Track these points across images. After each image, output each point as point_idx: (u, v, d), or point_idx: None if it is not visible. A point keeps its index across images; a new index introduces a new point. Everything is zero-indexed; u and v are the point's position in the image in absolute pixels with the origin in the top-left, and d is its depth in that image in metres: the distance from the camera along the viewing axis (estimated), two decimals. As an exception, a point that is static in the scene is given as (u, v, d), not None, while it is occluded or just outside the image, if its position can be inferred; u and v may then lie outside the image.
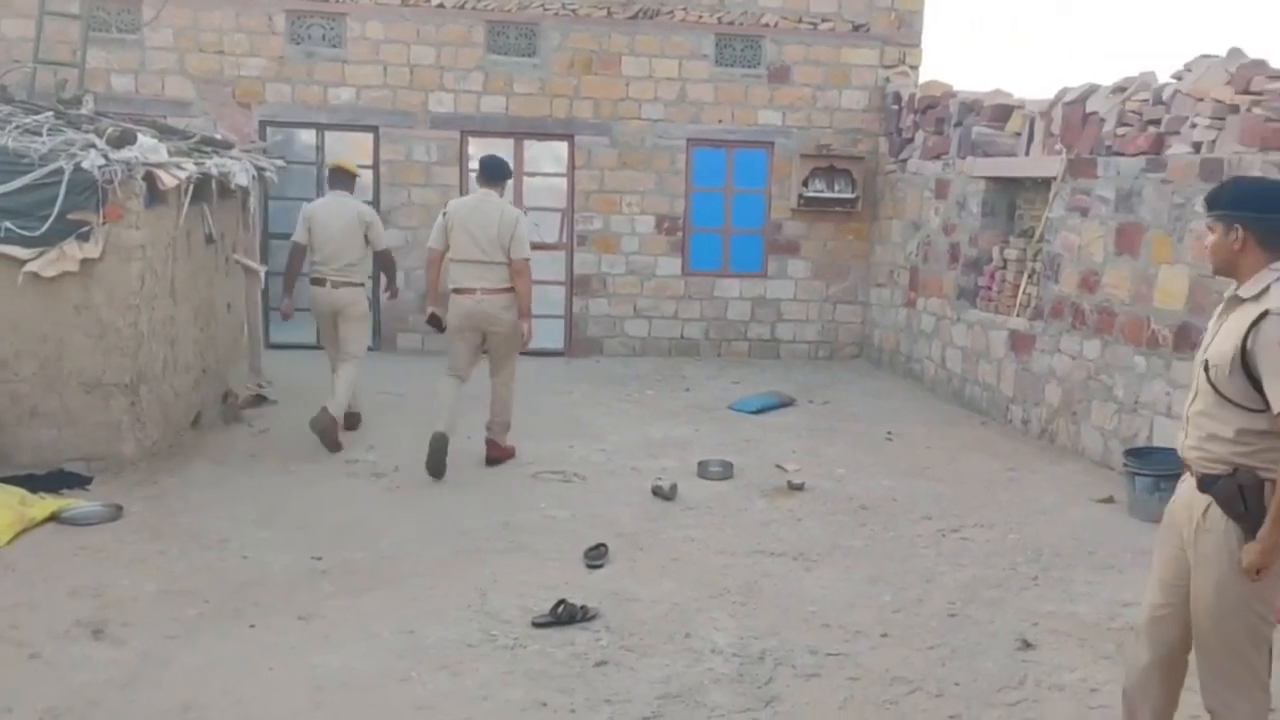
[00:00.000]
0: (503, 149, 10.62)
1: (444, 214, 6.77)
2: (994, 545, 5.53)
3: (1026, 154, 8.41)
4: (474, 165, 9.89)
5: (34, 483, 5.61)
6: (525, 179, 10.80)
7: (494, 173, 6.84)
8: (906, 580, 4.99)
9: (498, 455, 6.88)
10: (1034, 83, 17.61)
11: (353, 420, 7.62)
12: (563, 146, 10.85)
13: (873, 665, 4.09)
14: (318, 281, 7.30)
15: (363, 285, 7.47)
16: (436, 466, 6.44)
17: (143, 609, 4.34)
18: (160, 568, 4.80)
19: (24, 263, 5.77)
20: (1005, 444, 7.79)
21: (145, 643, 4.05)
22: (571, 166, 10.85)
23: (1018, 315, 8.37)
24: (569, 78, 10.67)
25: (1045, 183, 8.10)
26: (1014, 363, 8.29)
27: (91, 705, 3.55)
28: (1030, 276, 8.31)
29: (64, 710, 3.51)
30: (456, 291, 6.66)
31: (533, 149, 10.82)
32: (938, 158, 9.77)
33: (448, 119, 10.57)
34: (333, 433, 6.97)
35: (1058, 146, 7.86)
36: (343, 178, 7.58)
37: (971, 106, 9.25)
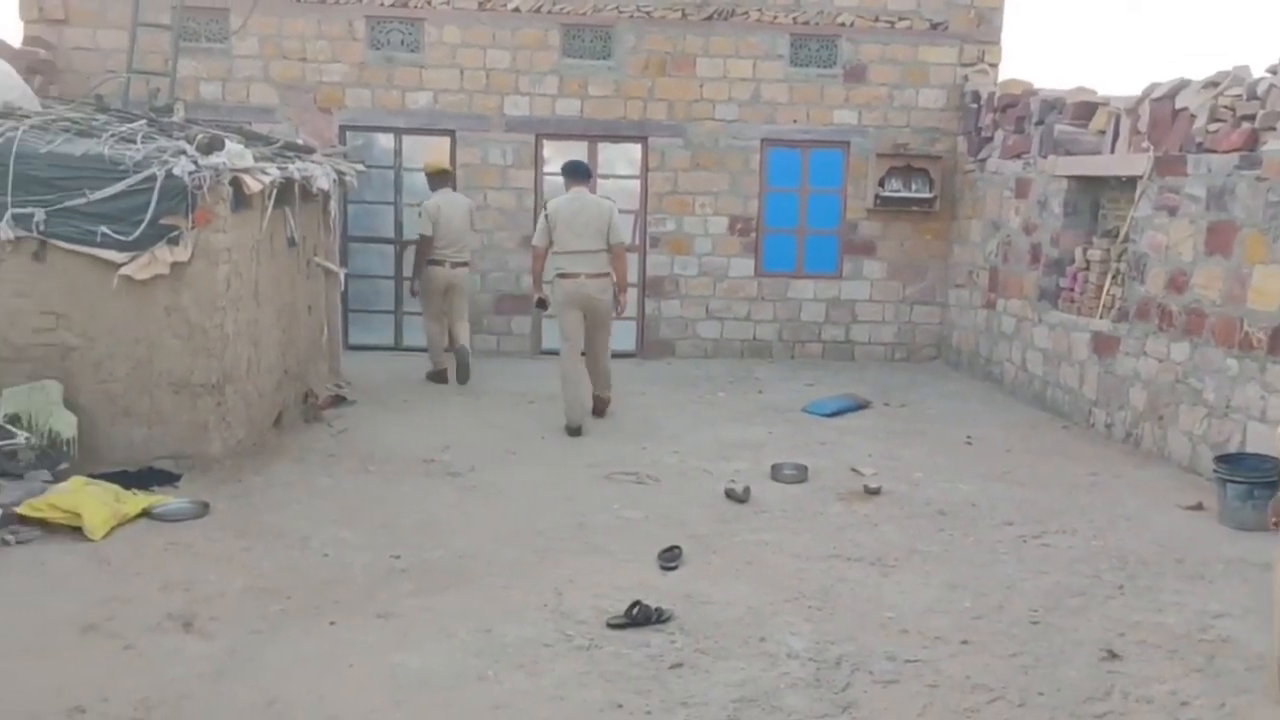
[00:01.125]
0: (577, 151, 10.74)
1: (546, 215, 7.79)
2: (1077, 552, 5.40)
3: (1111, 152, 8.21)
4: (551, 168, 10.22)
5: (126, 479, 5.79)
6: (599, 181, 10.83)
7: (581, 173, 8.04)
8: (987, 587, 4.90)
9: (602, 408, 8.15)
10: (1113, 80, 17.18)
11: (439, 376, 9.20)
12: (636, 148, 10.88)
13: (952, 672, 4.02)
14: (437, 263, 9.07)
15: (469, 264, 9.44)
16: (576, 428, 7.68)
17: (229, 604, 4.45)
18: (245, 564, 4.91)
19: (119, 266, 5.97)
20: (1088, 448, 7.61)
21: (232, 637, 4.15)
22: (645, 168, 10.87)
23: (1101, 317, 8.17)
24: (643, 79, 10.69)
25: (1131, 181, 7.90)
26: (1097, 365, 8.10)
27: (182, 697, 3.66)
28: (1114, 277, 8.11)
29: (157, 701, 3.62)
30: (562, 277, 7.72)
31: (606, 151, 10.87)
32: (1018, 156, 9.58)
33: (523, 122, 10.66)
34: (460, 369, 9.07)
35: (1144, 144, 7.65)
36: (446, 177, 9.41)
37: (1053, 104, 9.05)
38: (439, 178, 9.33)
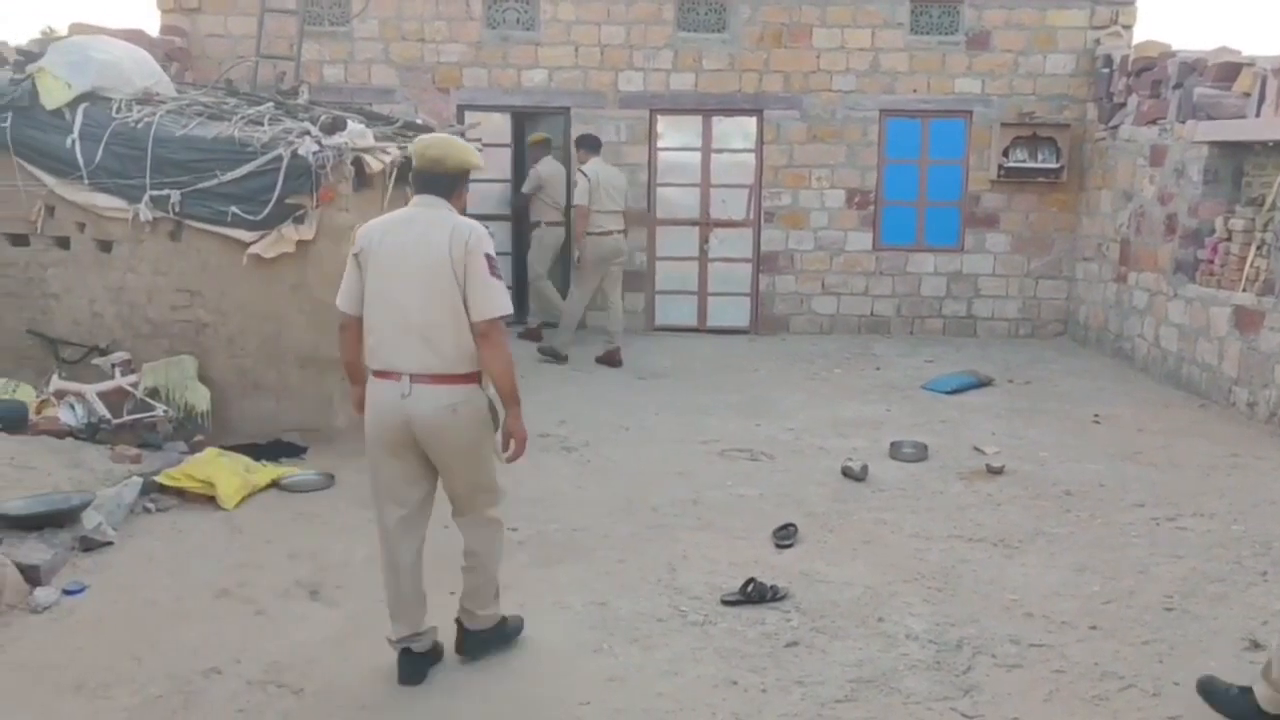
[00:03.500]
0: (691, 126, 10.70)
1: (587, 180, 8.92)
2: (1215, 536, 5.15)
3: (1257, 115, 7.75)
4: (664, 144, 10.19)
5: (257, 451, 6.01)
6: (713, 155, 10.76)
7: (599, 145, 9.35)
8: (1117, 570, 4.71)
9: (617, 359, 9.18)
10: (1258, 40, 16.19)
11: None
12: (751, 122, 10.73)
13: (1080, 658, 3.88)
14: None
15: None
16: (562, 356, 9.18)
17: (354, 573, 4.59)
18: (369, 535, 4.98)
19: (248, 245, 6.18)
20: (1227, 428, 7.25)
21: (356, 605, 4.27)
22: (760, 142, 10.73)
23: (1244, 290, 7.75)
24: (759, 52, 10.55)
25: (1278, 146, 7.45)
26: (1239, 341, 7.69)
27: (309, 661, 3.78)
28: (1259, 248, 7.67)
29: (286, 665, 3.75)
30: (601, 234, 8.96)
31: (721, 125, 10.76)
32: (1153, 123, 9.14)
33: (637, 98, 10.62)
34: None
35: (1293, 106, 7.21)
36: (547, 146, 10.06)
37: (1193, 66, 8.59)
38: (540, 147, 10.01)
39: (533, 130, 10.54)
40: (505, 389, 3.57)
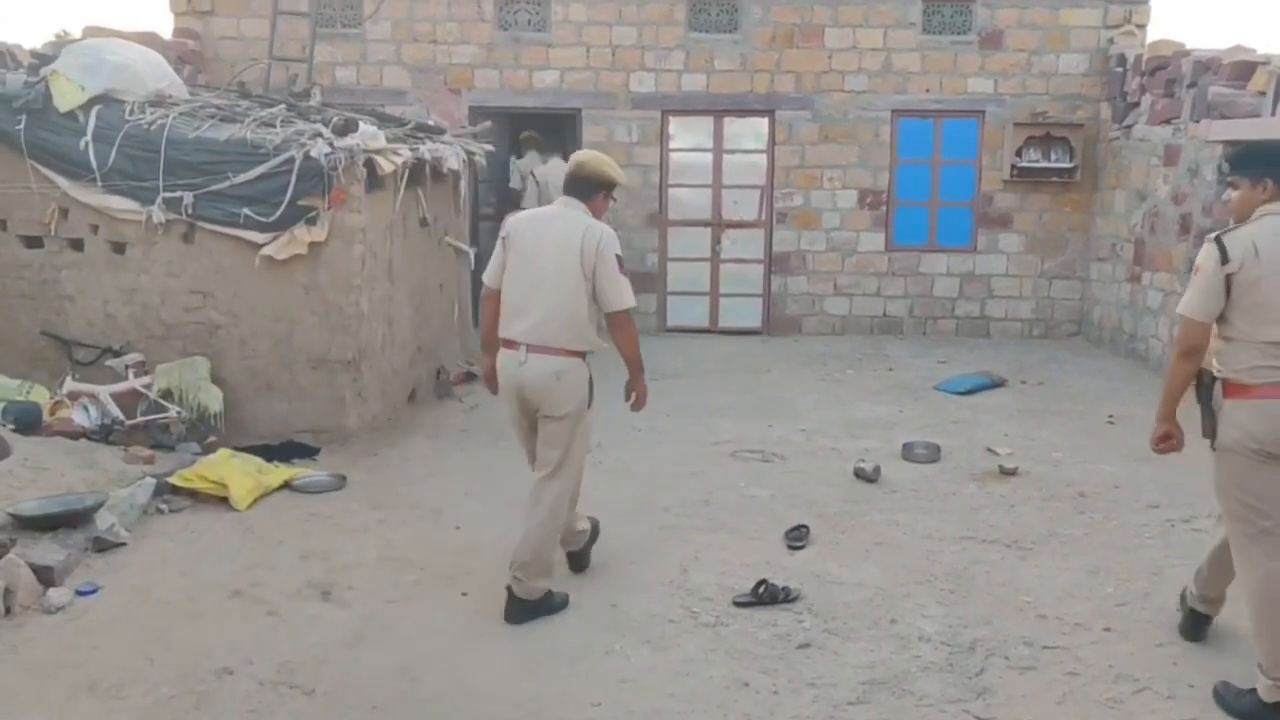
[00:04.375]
0: (703, 127, 10.69)
1: (537, 185, 9.44)
2: (1231, 539, 5.10)
3: (1273, 114, 7.70)
4: (676, 145, 10.07)
5: (269, 453, 6.02)
6: (725, 156, 10.75)
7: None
8: (1131, 572, 4.69)
9: None
10: (1273, 39, 16.07)
11: None
12: (763, 122, 10.72)
13: (1094, 660, 3.86)
14: None
15: None
16: None
17: (366, 574, 4.59)
18: (380, 536, 5.06)
19: (260, 246, 6.19)
20: (1243, 430, 7.19)
21: (368, 606, 4.28)
22: (772, 142, 10.71)
23: (1259, 290, 7.69)
24: (770, 52, 10.53)
25: (1293, 145, 7.39)
26: (1254, 342, 7.63)
27: (321, 662, 3.79)
28: (1274, 248, 7.62)
29: (298, 665, 3.76)
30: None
31: (733, 125, 10.74)
32: (1167, 122, 9.09)
33: (649, 99, 10.62)
34: None
35: (1309, 105, 7.16)
36: (533, 142, 10.13)
37: (1208, 65, 8.54)
38: (526, 143, 10.16)
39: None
40: (633, 361, 4.30)
